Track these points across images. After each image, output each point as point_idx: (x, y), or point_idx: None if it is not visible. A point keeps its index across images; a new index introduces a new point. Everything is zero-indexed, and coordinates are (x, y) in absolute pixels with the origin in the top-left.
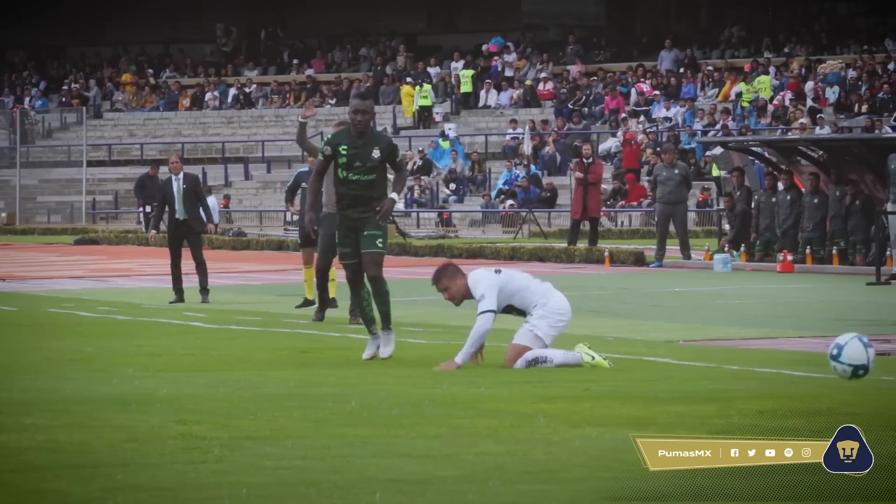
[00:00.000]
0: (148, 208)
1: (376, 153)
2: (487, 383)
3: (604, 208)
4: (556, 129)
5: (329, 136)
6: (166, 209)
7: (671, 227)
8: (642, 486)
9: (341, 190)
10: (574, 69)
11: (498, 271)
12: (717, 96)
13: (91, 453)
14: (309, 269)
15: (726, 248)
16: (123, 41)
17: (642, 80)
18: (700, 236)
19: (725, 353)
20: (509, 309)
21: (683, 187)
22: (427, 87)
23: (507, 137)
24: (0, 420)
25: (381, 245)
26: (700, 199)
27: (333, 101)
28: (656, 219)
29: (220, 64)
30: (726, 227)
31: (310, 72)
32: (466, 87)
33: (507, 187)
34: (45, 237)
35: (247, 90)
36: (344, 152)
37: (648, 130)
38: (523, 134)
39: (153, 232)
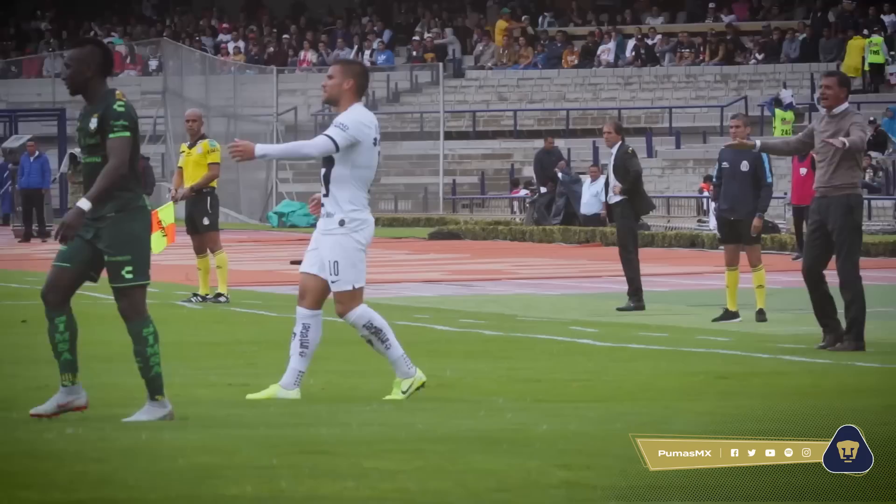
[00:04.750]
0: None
1: (93, 122)
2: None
3: None
4: None
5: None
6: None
7: None
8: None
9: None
10: None
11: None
12: None
13: None
14: (733, 271)
15: None
16: None
17: None
18: None
19: None
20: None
21: None
22: (878, 39)
23: None
24: (335, 463)
25: (128, 275)
26: None
27: (761, 57)
28: None
29: (616, 8)
30: None
31: (730, 19)
32: None
33: None
34: (392, 229)
35: (649, 42)
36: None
37: None
38: None
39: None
